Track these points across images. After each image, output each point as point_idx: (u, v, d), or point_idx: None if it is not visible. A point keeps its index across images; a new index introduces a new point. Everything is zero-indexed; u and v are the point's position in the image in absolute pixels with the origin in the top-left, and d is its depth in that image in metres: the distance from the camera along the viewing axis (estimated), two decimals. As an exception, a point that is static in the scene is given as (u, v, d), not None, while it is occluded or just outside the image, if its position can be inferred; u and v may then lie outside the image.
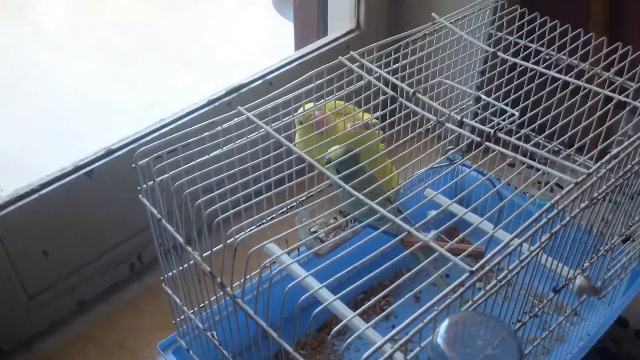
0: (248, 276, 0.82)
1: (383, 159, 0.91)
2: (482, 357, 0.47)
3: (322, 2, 1.27)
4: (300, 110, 0.88)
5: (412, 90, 0.73)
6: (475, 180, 0.67)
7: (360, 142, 0.86)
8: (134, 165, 0.65)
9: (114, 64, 1.95)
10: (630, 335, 1.06)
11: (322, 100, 0.79)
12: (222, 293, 0.73)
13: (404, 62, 0.79)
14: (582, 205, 0.65)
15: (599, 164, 0.62)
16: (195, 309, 0.76)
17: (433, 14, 0.86)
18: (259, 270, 0.59)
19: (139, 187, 0.68)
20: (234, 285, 0.62)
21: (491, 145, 0.66)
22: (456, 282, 0.52)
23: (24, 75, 1.91)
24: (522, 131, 0.67)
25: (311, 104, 0.86)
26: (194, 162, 0.65)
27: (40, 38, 2.10)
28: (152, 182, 0.65)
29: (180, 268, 0.73)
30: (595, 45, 0.80)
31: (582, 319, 1.04)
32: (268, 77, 1.17)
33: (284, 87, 0.74)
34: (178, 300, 0.76)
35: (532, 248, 0.59)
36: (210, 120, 0.69)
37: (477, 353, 0.47)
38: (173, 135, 0.68)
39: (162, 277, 0.78)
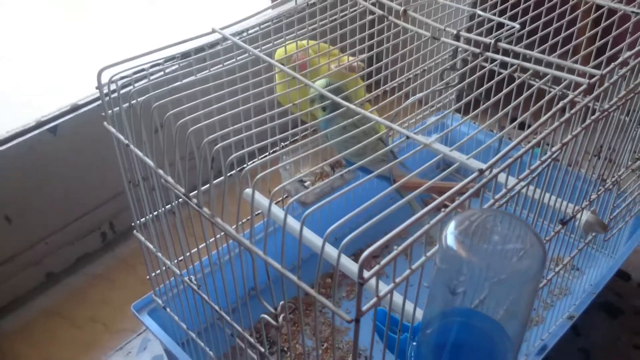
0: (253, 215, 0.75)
1: (367, 104, 0.85)
2: (502, 252, 0.40)
3: None
4: (281, 50, 0.82)
5: (402, 8, 0.67)
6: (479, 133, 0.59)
7: (344, 83, 0.80)
8: (96, 86, 0.58)
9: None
10: (633, 288, 1.01)
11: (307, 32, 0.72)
12: (203, 245, 0.67)
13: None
14: (592, 117, 0.59)
15: (611, 65, 0.57)
16: (176, 261, 0.69)
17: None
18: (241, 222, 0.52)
19: (102, 114, 0.61)
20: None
21: (491, 54, 0.61)
22: (465, 181, 0.45)
23: None
24: (526, 41, 0.61)
25: (293, 46, 0.80)
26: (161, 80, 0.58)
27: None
28: (118, 107, 0.58)
29: (156, 213, 0.66)
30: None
31: (583, 272, 0.99)
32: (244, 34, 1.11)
33: (262, 9, 0.68)
34: (151, 247, 0.69)
35: (544, 157, 0.53)
36: (182, 40, 0.63)
37: (495, 249, 0.41)
38: (141, 58, 0.61)
39: (132, 224, 0.70)
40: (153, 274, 0.75)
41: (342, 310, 0.95)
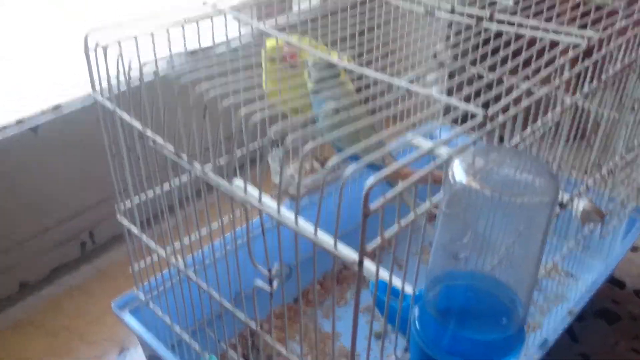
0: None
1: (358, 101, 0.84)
2: (514, 182, 0.38)
3: None
4: (271, 43, 0.81)
5: (394, -12, 0.67)
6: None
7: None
8: (84, 50, 0.56)
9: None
10: (629, 295, 0.99)
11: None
12: (194, 233, 0.63)
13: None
14: (592, 86, 0.59)
15: (609, 30, 0.56)
16: (164, 253, 0.65)
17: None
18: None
19: (90, 83, 0.58)
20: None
21: (489, 24, 0.60)
22: (469, 125, 0.44)
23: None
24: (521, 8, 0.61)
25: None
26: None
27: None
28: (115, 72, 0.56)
29: (150, 195, 0.63)
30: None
31: (578, 278, 0.97)
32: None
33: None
34: (135, 230, 0.65)
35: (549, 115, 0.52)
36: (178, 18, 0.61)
37: (506, 180, 0.39)
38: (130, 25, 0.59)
39: (116, 206, 0.67)
40: (137, 267, 0.72)
41: (330, 315, 0.92)
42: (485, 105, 0.46)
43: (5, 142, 0.87)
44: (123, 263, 0.73)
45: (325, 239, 0.58)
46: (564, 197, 0.72)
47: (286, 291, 0.50)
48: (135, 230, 0.65)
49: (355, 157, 0.79)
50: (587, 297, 0.81)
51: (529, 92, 0.48)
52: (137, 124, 0.54)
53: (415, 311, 0.50)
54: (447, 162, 0.41)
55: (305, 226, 0.67)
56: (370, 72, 0.52)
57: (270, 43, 0.79)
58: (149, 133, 0.52)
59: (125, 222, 0.66)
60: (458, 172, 0.39)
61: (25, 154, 0.89)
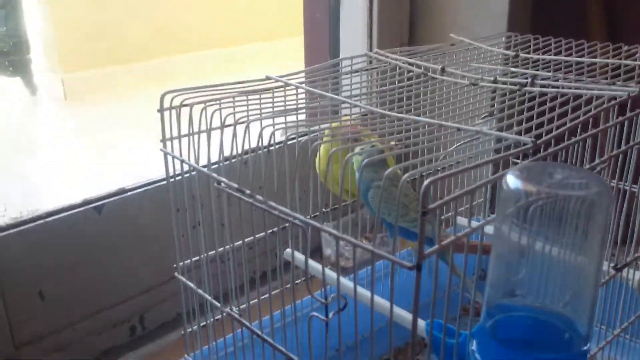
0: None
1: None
2: (568, 185, 0.40)
3: (333, 32, 1.27)
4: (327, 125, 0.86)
5: (440, 66, 0.73)
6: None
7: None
8: (158, 109, 0.62)
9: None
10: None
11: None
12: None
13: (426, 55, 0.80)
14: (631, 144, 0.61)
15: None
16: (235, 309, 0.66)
17: (452, 35, 0.89)
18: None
19: (161, 140, 0.64)
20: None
21: (529, 88, 0.64)
22: (515, 150, 0.46)
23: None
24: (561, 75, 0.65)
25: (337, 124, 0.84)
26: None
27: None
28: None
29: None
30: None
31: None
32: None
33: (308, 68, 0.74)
34: (193, 286, 0.67)
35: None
36: (236, 81, 0.68)
37: (557, 183, 0.40)
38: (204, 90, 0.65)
39: (175, 265, 0.69)
40: (188, 330, 0.72)
41: None
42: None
43: (70, 218, 0.92)
44: (172, 351, 0.72)
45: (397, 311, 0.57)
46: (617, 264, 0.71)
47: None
48: (193, 286, 0.67)
49: (406, 233, 0.81)
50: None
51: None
52: (204, 170, 0.58)
53: (473, 345, 0.49)
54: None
55: (366, 295, 0.67)
56: (421, 118, 0.56)
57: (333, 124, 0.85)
58: (214, 175, 0.56)
59: (183, 278, 0.68)
60: (511, 180, 0.41)
61: (88, 232, 0.94)
